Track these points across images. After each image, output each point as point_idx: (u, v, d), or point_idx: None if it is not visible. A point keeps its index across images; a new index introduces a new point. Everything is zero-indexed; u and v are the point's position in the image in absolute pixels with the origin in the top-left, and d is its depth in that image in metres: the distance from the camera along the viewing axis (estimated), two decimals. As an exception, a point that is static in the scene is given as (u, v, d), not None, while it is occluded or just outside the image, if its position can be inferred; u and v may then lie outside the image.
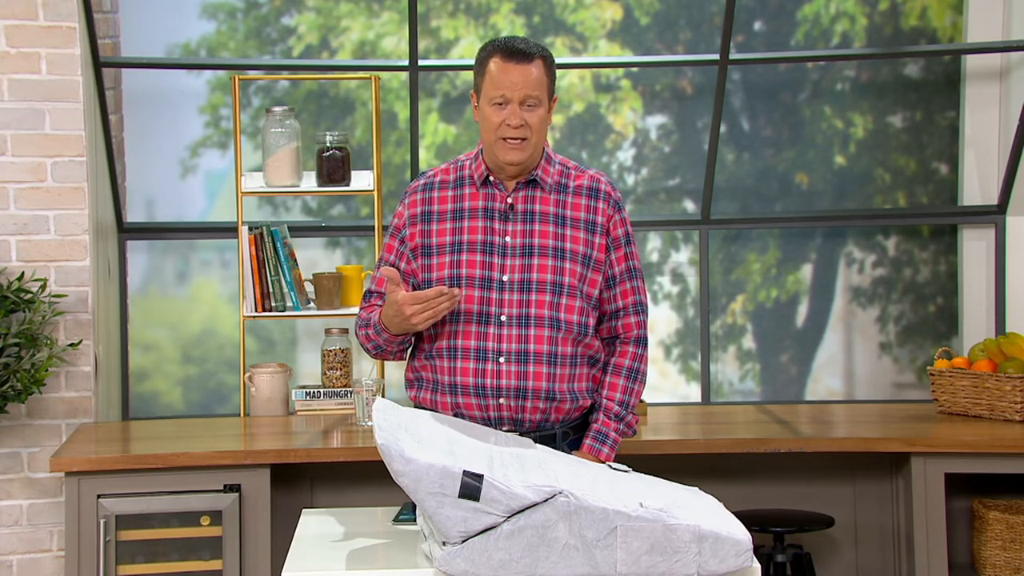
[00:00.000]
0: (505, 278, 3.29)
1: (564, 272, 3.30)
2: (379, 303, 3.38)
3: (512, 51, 3.24)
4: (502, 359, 3.27)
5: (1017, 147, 5.12)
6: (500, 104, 3.25)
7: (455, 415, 3.31)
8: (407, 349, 3.42)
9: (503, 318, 3.28)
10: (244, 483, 4.20)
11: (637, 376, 3.42)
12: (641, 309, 3.42)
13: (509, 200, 3.33)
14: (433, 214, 3.36)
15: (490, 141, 3.28)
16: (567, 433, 3.38)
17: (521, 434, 3.29)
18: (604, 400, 3.39)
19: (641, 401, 4.81)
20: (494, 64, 3.25)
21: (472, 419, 3.30)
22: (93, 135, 4.79)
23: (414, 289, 3.36)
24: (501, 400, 3.28)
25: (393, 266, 3.38)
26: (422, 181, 3.41)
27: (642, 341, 3.43)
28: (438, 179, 3.39)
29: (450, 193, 3.36)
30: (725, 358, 5.45)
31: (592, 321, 3.35)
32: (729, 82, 5.20)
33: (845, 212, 5.40)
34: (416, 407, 3.39)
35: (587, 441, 3.37)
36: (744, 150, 5.41)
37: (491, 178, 3.34)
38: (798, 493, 4.66)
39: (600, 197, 3.36)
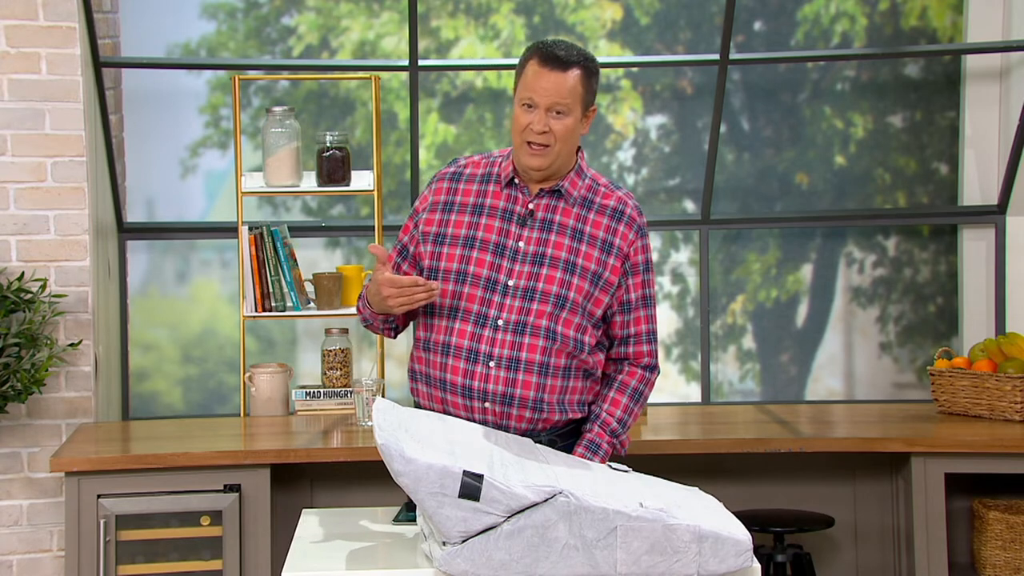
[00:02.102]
0: (511, 283, 3.27)
1: (571, 287, 3.27)
2: None
3: (549, 56, 3.21)
4: (492, 363, 3.25)
5: (1017, 147, 5.12)
6: (528, 106, 3.22)
7: (444, 412, 3.30)
8: (394, 329, 3.42)
9: (500, 322, 3.25)
10: (244, 483, 4.20)
11: (640, 399, 3.39)
12: (653, 338, 3.39)
13: (530, 206, 3.30)
14: (455, 204, 3.34)
15: (516, 143, 3.26)
16: (554, 441, 3.33)
17: None
18: (603, 413, 3.35)
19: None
20: (530, 67, 3.22)
21: (458, 419, 3.29)
22: (93, 135, 4.79)
23: (421, 273, 3.35)
24: (487, 404, 3.25)
25: (404, 247, 3.39)
26: (452, 169, 3.39)
27: (652, 369, 3.41)
28: (468, 171, 3.37)
29: (475, 187, 3.34)
30: (725, 358, 5.45)
31: (590, 340, 3.30)
32: (729, 82, 5.20)
33: (845, 212, 5.40)
34: (414, 400, 3.39)
35: (579, 449, 3.33)
36: (744, 150, 5.41)
37: (516, 180, 3.32)
38: (798, 493, 4.66)
39: (623, 220, 3.32)
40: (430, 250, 3.32)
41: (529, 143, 3.22)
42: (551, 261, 3.27)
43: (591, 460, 3.31)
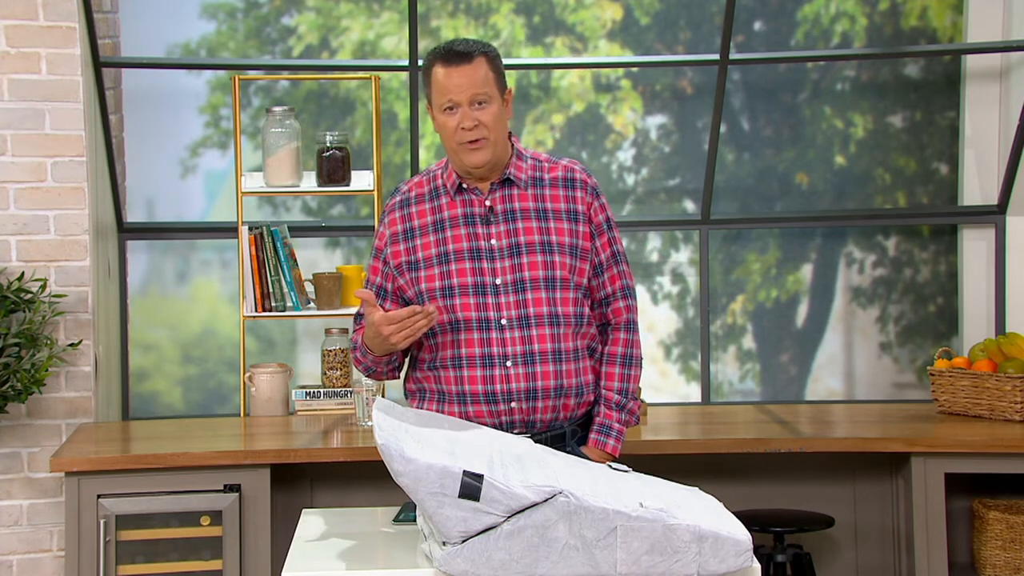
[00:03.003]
0: (498, 281, 3.29)
1: (555, 266, 3.30)
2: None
3: (450, 54, 3.24)
4: (509, 363, 3.27)
5: (1017, 147, 5.12)
6: (450, 109, 3.25)
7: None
8: (398, 368, 3.41)
9: (503, 321, 3.27)
10: (244, 483, 4.20)
11: (631, 362, 3.41)
12: (629, 293, 3.43)
13: (487, 203, 3.32)
14: (414, 229, 3.35)
15: (452, 148, 3.28)
16: (576, 431, 3.38)
17: (532, 436, 3.29)
18: (603, 391, 3.38)
19: (642, 401, 4.82)
20: (437, 71, 3.26)
21: (483, 425, 3.29)
22: (93, 135, 4.79)
23: (407, 304, 3.35)
24: (512, 404, 3.27)
25: (380, 287, 3.39)
26: (398, 198, 3.40)
27: (632, 326, 3.43)
28: (413, 194, 3.38)
29: (427, 206, 3.36)
30: (725, 358, 5.45)
31: (587, 310, 3.35)
32: (729, 82, 5.20)
33: (845, 212, 5.40)
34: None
35: (592, 434, 3.37)
36: (744, 150, 5.41)
37: (464, 185, 3.34)
38: (798, 493, 4.66)
39: (577, 186, 3.36)
40: (408, 278, 3.34)
41: (465, 143, 3.25)
42: (528, 248, 3.30)
43: (606, 442, 3.36)
